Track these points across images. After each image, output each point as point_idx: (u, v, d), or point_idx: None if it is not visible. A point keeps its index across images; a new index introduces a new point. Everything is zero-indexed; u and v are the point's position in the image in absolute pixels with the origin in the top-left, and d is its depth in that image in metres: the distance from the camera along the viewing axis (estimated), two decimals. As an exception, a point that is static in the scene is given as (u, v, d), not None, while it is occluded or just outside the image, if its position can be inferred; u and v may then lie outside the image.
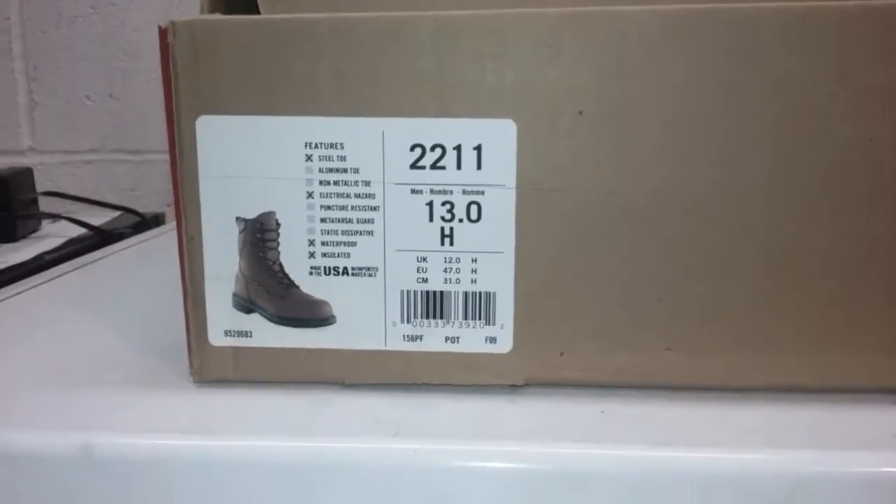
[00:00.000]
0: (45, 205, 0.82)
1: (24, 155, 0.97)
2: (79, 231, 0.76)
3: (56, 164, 0.97)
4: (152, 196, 0.97)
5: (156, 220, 0.87)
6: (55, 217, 0.79)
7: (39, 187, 0.81)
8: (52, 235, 0.74)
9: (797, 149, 0.34)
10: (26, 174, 0.77)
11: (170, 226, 0.81)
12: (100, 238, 0.75)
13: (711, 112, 0.34)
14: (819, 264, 0.35)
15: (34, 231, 0.76)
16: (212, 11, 0.37)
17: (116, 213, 0.85)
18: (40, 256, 0.67)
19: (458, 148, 0.35)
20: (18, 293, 0.54)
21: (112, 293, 0.54)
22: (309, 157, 0.35)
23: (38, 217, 0.77)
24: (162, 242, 0.72)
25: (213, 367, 0.38)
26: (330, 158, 0.35)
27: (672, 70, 0.33)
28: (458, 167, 0.35)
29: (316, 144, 0.35)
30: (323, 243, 0.36)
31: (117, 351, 0.42)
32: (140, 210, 0.87)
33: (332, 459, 0.33)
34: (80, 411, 0.35)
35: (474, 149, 0.35)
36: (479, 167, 0.35)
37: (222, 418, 0.35)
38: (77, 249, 0.70)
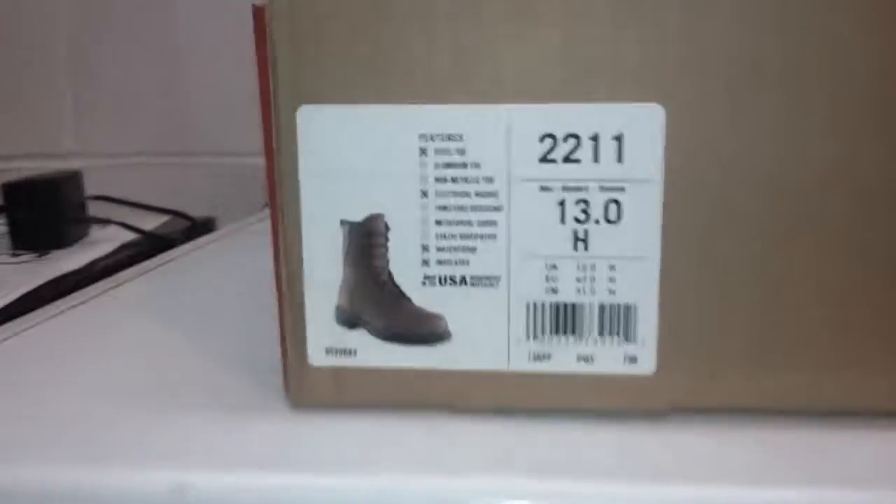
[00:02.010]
0: (93, 209, 0.78)
1: (65, 159, 0.93)
2: (129, 237, 0.72)
3: (101, 168, 0.93)
4: (201, 200, 0.93)
5: (207, 225, 0.83)
6: (105, 222, 0.75)
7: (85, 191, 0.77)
8: (103, 241, 0.70)
9: None
10: (75, 178, 0.73)
11: (224, 231, 0.77)
12: (152, 243, 0.71)
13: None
14: None
15: (83, 237, 0.72)
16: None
17: (164, 219, 0.81)
18: (94, 263, 0.63)
19: (595, 137, 0.30)
20: (79, 304, 0.49)
21: (183, 303, 0.50)
22: (423, 151, 0.31)
23: (88, 222, 0.73)
24: (217, 249, 0.68)
25: (312, 390, 0.33)
26: (447, 152, 0.31)
27: (846, 24, 0.28)
28: (596, 160, 0.30)
29: (432, 136, 0.31)
30: (438, 249, 0.31)
31: (199, 369, 0.38)
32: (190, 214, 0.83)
33: (458, 500, 0.28)
34: (169, 442, 0.31)
35: (614, 138, 0.30)
36: (619, 159, 0.30)
37: (330, 451, 0.31)
38: (131, 255, 0.67)
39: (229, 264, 0.60)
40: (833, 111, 0.29)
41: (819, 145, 0.29)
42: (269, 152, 0.32)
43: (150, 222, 0.78)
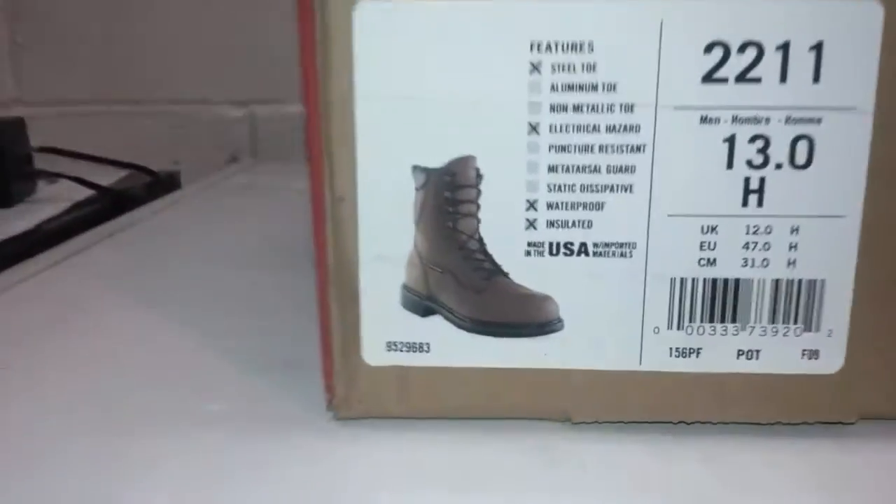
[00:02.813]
0: (40, 163, 0.67)
1: (8, 107, 0.82)
2: (83, 193, 0.61)
3: (47, 117, 0.81)
4: (159, 152, 0.82)
5: (170, 180, 0.73)
6: (55, 177, 0.64)
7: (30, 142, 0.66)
8: (52, 199, 0.60)
9: None
10: (17, 126, 0.62)
11: (191, 189, 0.66)
12: (110, 201, 0.61)
13: None
14: None
15: (30, 194, 0.61)
16: None
17: (122, 174, 0.71)
18: (43, 225, 0.53)
19: (784, 47, 0.21)
20: (29, 277, 0.39)
21: (166, 276, 0.39)
22: (535, 67, 0.21)
23: (35, 177, 0.62)
24: (188, 208, 0.58)
25: (367, 398, 0.24)
26: (570, 68, 0.21)
27: None
28: (783, 79, 0.21)
29: (547, 45, 0.21)
30: (550, 206, 0.22)
31: (204, 367, 0.28)
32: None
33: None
34: (175, 473, 0.21)
35: (812, 48, 0.21)
36: (816, 79, 0.21)
37: (392, 483, 0.21)
38: (86, 216, 0.56)
39: (210, 227, 0.50)
40: None
41: None
42: (310, 70, 0.22)
43: (106, 178, 0.67)
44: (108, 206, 0.61)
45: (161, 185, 0.72)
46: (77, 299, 0.36)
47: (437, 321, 0.24)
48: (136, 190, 0.67)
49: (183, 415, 0.25)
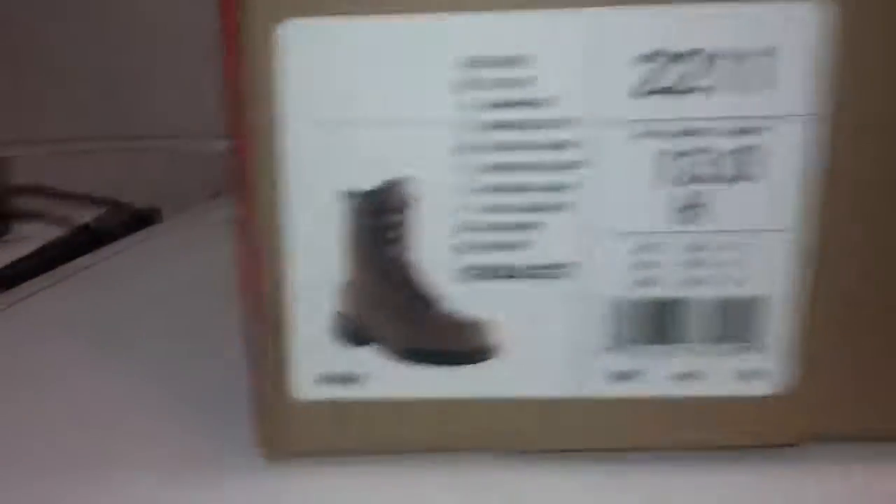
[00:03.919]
0: (20, 202, 0.66)
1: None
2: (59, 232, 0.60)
3: (29, 155, 0.79)
4: (144, 189, 0.80)
5: (150, 216, 0.71)
6: (30, 216, 0.63)
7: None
8: (26, 238, 0.58)
9: None
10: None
11: (170, 224, 0.65)
12: (87, 239, 0.59)
13: None
14: None
15: (3, 235, 0.60)
16: None
17: (101, 210, 0.69)
18: (10, 267, 0.51)
19: (724, 55, 0.20)
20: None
21: (115, 316, 0.38)
22: (465, 84, 0.20)
23: (9, 217, 0.61)
24: (161, 244, 0.56)
25: (298, 435, 0.23)
26: (500, 84, 0.21)
27: None
28: (722, 88, 0.20)
29: (477, 61, 0.20)
30: (485, 228, 0.21)
31: (137, 408, 0.27)
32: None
33: None
34: None
35: (754, 54, 0.20)
36: (760, 86, 0.20)
37: None
38: (56, 256, 0.55)
39: (177, 264, 0.49)
40: None
41: None
42: (234, 94, 0.21)
43: (86, 215, 0.66)
44: (83, 243, 0.60)
45: (141, 220, 0.70)
46: (25, 340, 0.34)
47: (371, 351, 0.23)
48: (114, 226, 0.66)
49: (110, 459, 0.24)
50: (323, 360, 0.23)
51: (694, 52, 0.21)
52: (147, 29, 0.79)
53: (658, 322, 0.23)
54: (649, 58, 0.21)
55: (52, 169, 0.73)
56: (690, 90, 0.21)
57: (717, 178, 0.22)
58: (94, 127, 0.79)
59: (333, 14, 0.21)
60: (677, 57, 0.21)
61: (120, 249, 0.52)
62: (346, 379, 0.23)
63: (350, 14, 0.21)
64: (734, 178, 0.22)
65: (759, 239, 0.22)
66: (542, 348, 0.23)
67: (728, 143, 0.21)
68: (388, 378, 0.23)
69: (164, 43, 0.78)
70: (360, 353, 0.23)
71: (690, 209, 0.22)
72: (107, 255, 0.51)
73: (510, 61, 0.21)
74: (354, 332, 0.23)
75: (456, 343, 0.23)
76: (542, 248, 0.22)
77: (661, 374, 0.23)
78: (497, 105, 0.21)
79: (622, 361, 0.23)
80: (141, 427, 0.26)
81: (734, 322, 0.23)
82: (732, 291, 0.22)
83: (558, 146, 0.22)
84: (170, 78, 0.78)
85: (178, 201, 0.70)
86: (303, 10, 0.21)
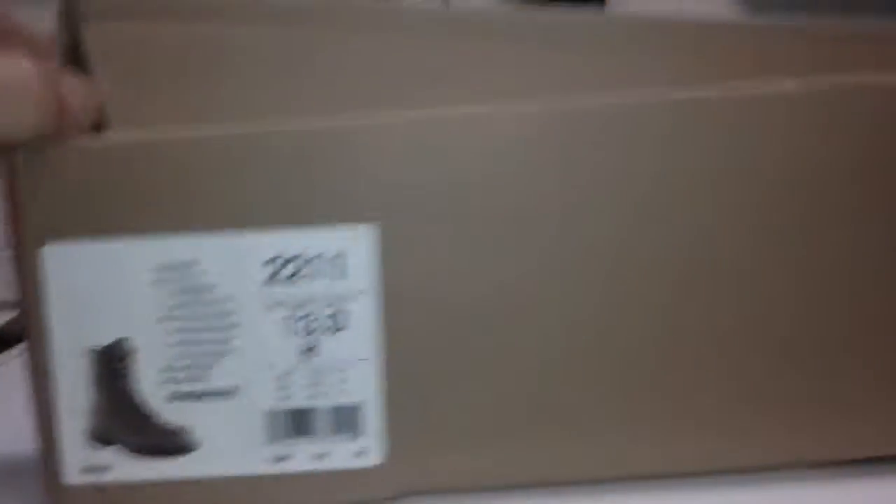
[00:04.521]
0: None
1: None
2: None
3: None
4: None
5: None
6: None
7: None
8: None
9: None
10: None
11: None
12: None
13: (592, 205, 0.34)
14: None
15: None
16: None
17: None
18: None
19: (317, 258, 0.34)
20: None
21: None
22: (161, 280, 0.34)
23: None
24: None
25: (72, 510, 0.35)
26: (184, 278, 0.34)
27: (537, 173, 0.34)
28: (317, 277, 0.35)
29: (168, 265, 0.34)
30: (180, 367, 0.35)
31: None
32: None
33: None
34: None
35: (333, 257, 0.34)
36: (338, 276, 0.35)
37: None
38: None
39: None
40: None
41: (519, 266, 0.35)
42: (21, 285, 0.34)
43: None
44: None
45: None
46: None
47: (116, 449, 0.36)
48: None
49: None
50: (84, 456, 0.36)
51: (298, 256, 0.35)
52: None
53: (298, 422, 0.36)
54: (272, 260, 0.35)
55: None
56: (300, 279, 0.35)
57: (324, 331, 0.36)
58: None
59: (80, 239, 0.35)
60: (289, 259, 0.35)
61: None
62: (100, 469, 0.36)
63: (89, 238, 0.35)
64: (335, 330, 0.36)
65: (355, 366, 0.36)
66: (226, 443, 0.36)
67: (327, 310, 0.35)
68: (128, 467, 0.36)
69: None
70: (109, 450, 0.36)
71: (310, 350, 0.36)
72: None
73: (188, 264, 0.35)
74: (102, 437, 0.36)
75: (169, 443, 0.36)
76: (218, 378, 0.36)
77: (304, 456, 0.36)
78: (183, 290, 0.35)
79: (278, 450, 0.36)
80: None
81: (345, 420, 0.36)
82: (342, 400, 0.36)
83: (224, 315, 0.35)
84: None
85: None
86: (58, 237, 0.34)
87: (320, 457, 0.36)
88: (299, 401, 0.35)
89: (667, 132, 0.34)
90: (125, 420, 0.35)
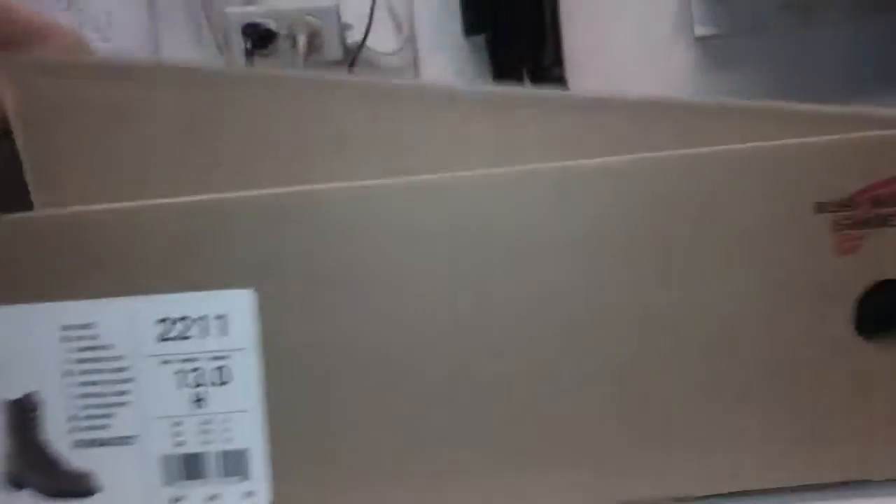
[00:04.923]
0: None
1: None
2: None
3: None
4: None
5: None
6: None
7: None
8: None
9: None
10: None
11: None
12: None
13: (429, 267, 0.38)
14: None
15: None
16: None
17: None
18: None
19: (203, 318, 0.38)
20: None
21: None
22: (65, 339, 0.38)
23: None
24: None
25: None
26: (84, 338, 0.38)
27: (391, 243, 0.38)
28: (204, 336, 0.38)
29: (71, 326, 0.38)
30: (83, 417, 0.39)
31: None
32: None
33: None
34: None
35: (218, 318, 0.38)
36: (223, 334, 0.38)
37: None
38: None
39: None
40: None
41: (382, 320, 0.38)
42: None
43: None
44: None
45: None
46: None
47: (28, 493, 0.40)
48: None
49: None
50: (2, 500, 0.40)
51: (185, 317, 0.39)
52: None
53: (190, 467, 0.40)
54: (162, 321, 0.39)
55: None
56: (188, 337, 0.39)
57: (211, 383, 0.39)
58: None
59: (-9, 304, 0.39)
60: (177, 320, 0.39)
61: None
62: (15, 509, 0.40)
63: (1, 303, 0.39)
64: (220, 383, 0.39)
65: (238, 415, 0.39)
66: (127, 487, 0.40)
67: (212, 364, 0.39)
68: (40, 508, 0.40)
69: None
70: (22, 494, 0.40)
71: (199, 400, 0.39)
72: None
73: (89, 325, 0.39)
74: (16, 481, 0.40)
75: (74, 486, 0.40)
76: (118, 427, 0.40)
77: (197, 497, 0.40)
78: (84, 349, 0.39)
79: (174, 492, 0.40)
80: None
81: (234, 464, 0.40)
82: (229, 446, 0.40)
83: (120, 370, 0.39)
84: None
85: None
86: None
87: (212, 498, 0.39)
88: (191, 447, 0.39)
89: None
90: (36, 466, 0.39)
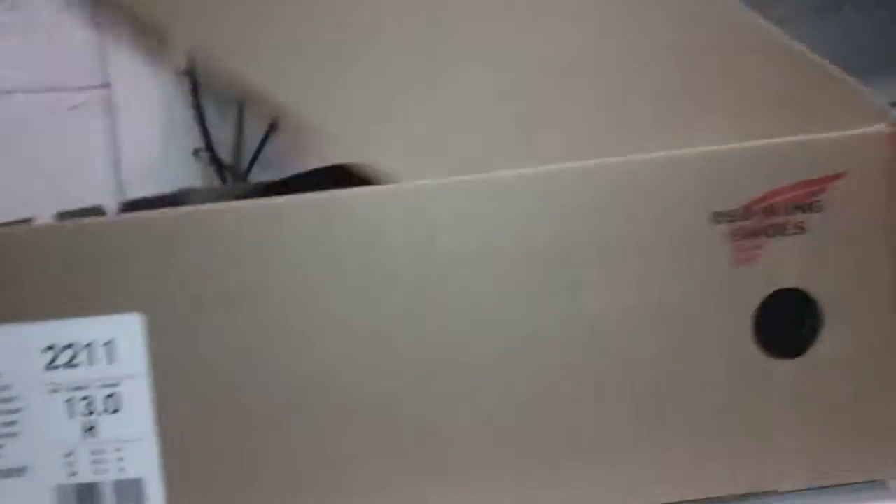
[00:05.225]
0: None
1: None
2: None
3: None
4: None
5: None
6: None
7: None
8: None
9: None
10: None
11: None
12: None
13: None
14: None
15: None
16: None
17: None
18: None
19: (89, 345, 0.37)
20: None
21: None
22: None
23: None
24: None
25: None
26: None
27: (282, 262, 0.37)
28: (92, 363, 0.37)
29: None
30: (-25, 447, 0.38)
31: None
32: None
33: None
34: None
35: (105, 344, 0.37)
36: (111, 361, 0.37)
37: None
38: None
39: None
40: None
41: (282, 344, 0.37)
42: None
43: None
44: None
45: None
46: None
47: (-83, 528, 0.39)
48: None
49: None
50: None
51: (73, 344, 0.38)
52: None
53: (85, 496, 0.39)
54: (50, 348, 0.38)
55: None
56: (76, 365, 0.38)
57: (102, 411, 0.38)
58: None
59: None
60: (65, 347, 0.38)
61: None
62: None
63: None
64: (112, 411, 0.38)
65: (132, 444, 0.38)
66: (21, 518, 0.39)
67: (102, 392, 0.38)
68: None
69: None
70: None
71: (91, 429, 0.38)
72: None
73: None
74: None
75: None
76: (9, 458, 0.38)
77: None
78: None
79: None
80: None
81: (129, 493, 0.39)
82: (123, 476, 0.39)
83: (8, 400, 0.38)
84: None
85: None
86: None
87: (105, 525, 0.38)
88: (85, 476, 0.38)
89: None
90: (-74, 500, 0.38)
